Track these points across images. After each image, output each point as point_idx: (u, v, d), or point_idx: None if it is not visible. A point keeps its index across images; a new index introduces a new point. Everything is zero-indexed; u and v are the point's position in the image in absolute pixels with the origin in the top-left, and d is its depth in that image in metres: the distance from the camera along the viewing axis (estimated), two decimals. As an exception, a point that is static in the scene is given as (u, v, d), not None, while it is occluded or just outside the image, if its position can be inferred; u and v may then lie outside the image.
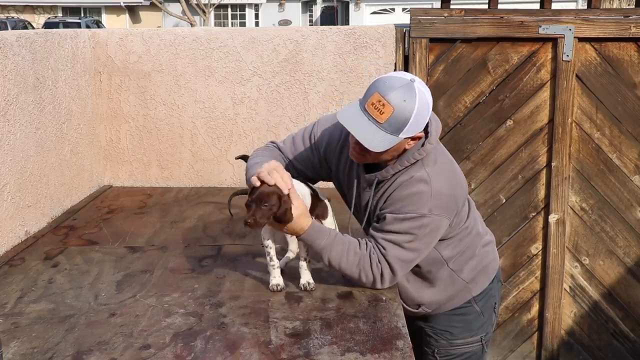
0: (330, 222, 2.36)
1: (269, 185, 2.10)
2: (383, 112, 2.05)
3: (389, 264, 2.22)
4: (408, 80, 2.09)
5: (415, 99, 2.07)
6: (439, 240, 2.31)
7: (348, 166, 2.38)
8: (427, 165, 2.21)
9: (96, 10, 31.85)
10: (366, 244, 2.24)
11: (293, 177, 2.23)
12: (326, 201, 2.38)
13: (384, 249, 2.21)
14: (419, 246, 2.22)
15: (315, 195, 2.33)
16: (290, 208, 2.11)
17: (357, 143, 2.13)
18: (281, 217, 2.11)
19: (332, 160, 2.43)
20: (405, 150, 2.20)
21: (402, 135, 2.09)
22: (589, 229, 4.01)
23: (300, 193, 2.22)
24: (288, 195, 2.11)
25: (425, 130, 2.21)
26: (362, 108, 2.10)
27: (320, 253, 2.24)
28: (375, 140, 2.08)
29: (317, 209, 2.32)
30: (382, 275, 2.24)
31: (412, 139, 2.16)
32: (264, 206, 2.08)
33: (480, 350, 2.56)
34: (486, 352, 2.60)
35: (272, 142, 2.54)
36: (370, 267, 2.23)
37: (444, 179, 2.22)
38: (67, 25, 25.21)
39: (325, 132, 2.43)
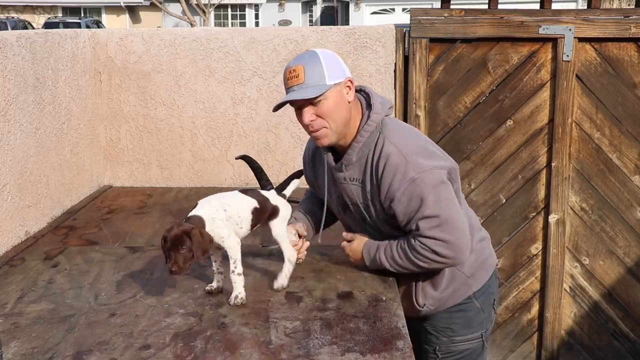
0: (279, 222, 2.36)
1: (176, 228, 2.10)
2: (298, 74, 2.20)
3: (430, 238, 2.24)
4: (304, 51, 2.35)
5: (315, 52, 2.25)
6: None
7: (321, 172, 2.48)
8: (389, 137, 2.28)
9: (96, 10, 31.84)
10: (407, 236, 2.31)
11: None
12: (279, 204, 2.38)
13: (417, 230, 2.25)
14: (440, 206, 2.22)
15: (265, 200, 2.34)
16: (202, 235, 2.10)
17: (307, 114, 2.22)
18: (203, 249, 2.10)
19: (312, 177, 2.57)
20: (350, 104, 2.28)
21: (329, 82, 2.20)
22: (589, 229, 4.01)
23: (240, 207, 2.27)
24: (192, 227, 2.10)
25: (368, 103, 2.32)
26: (288, 90, 2.25)
27: (377, 265, 2.40)
28: (308, 92, 2.20)
29: (265, 213, 2.33)
30: (435, 252, 2.25)
31: (347, 87, 2.26)
32: (182, 250, 2.07)
33: (480, 346, 2.57)
34: (486, 348, 2.60)
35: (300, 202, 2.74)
36: (419, 253, 2.27)
37: (409, 140, 2.31)
38: (67, 25, 25.20)
39: (303, 164, 2.66)
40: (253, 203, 2.30)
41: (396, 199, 2.24)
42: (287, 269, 2.36)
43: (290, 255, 2.37)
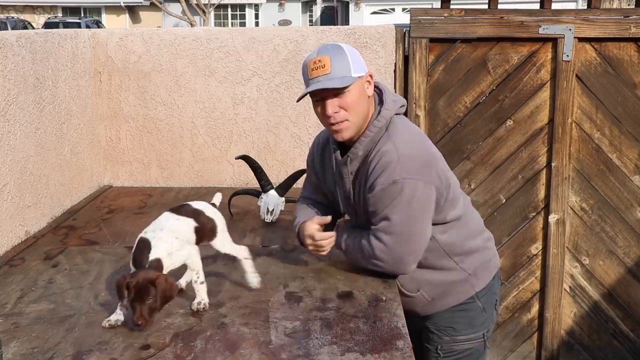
0: (220, 240, 2.31)
1: (141, 275, 1.97)
2: (324, 65, 2.21)
3: (377, 237, 2.29)
4: (324, 44, 2.33)
5: (339, 45, 2.27)
6: (438, 224, 2.35)
7: (329, 167, 2.48)
8: (392, 136, 2.29)
9: (96, 10, 31.85)
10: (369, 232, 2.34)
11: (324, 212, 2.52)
12: (214, 217, 2.31)
13: (374, 225, 2.30)
14: (405, 216, 2.24)
15: (200, 215, 2.25)
16: (167, 282, 1.98)
17: (331, 105, 2.22)
18: (167, 297, 2.00)
19: (320, 172, 2.56)
20: (369, 98, 2.31)
21: (354, 74, 2.22)
22: (589, 229, 4.01)
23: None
24: (157, 275, 1.98)
25: (381, 99, 2.34)
26: (310, 81, 2.25)
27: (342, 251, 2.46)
28: (336, 82, 2.20)
29: (205, 230, 2.26)
30: (374, 248, 2.31)
31: (367, 81, 2.29)
32: (147, 300, 1.95)
33: (482, 346, 2.57)
34: (488, 348, 2.61)
35: (300, 198, 2.71)
36: (364, 245, 2.34)
37: (410, 144, 2.29)
38: (67, 25, 25.21)
39: (309, 156, 2.64)
40: (192, 223, 2.22)
41: (373, 192, 2.27)
42: (249, 266, 2.32)
43: (242, 252, 2.34)
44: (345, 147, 2.39)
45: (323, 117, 2.28)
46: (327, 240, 2.40)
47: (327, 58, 2.20)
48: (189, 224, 2.21)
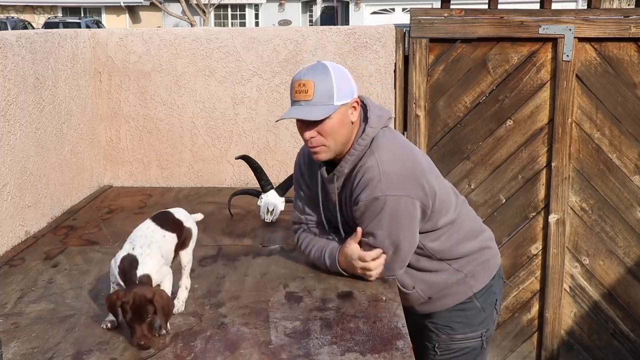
0: (189, 250, 2.26)
1: (136, 294, 1.89)
2: (307, 90, 2.19)
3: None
4: (315, 62, 2.28)
5: (328, 68, 2.22)
6: (428, 232, 2.36)
7: (316, 182, 2.47)
8: (376, 151, 2.29)
9: (96, 10, 31.86)
10: None
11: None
12: (191, 228, 2.28)
13: (363, 237, 2.33)
14: (388, 231, 2.27)
15: (180, 226, 2.22)
16: (162, 297, 1.93)
17: (309, 130, 2.22)
18: (168, 312, 1.97)
19: (310, 182, 2.52)
20: (353, 124, 2.28)
21: (337, 102, 2.20)
22: (589, 229, 4.01)
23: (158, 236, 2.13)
24: (153, 292, 1.91)
25: (365, 116, 2.32)
26: (293, 102, 2.25)
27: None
28: (312, 113, 2.19)
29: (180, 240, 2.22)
30: None
31: (353, 107, 2.26)
32: (147, 319, 1.90)
33: (479, 346, 2.57)
34: (485, 348, 2.61)
35: (294, 225, 2.61)
36: None
37: (393, 160, 2.28)
38: (67, 25, 25.22)
39: (296, 170, 2.60)
40: (174, 239, 2.18)
41: (357, 206, 2.29)
42: (183, 296, 2.24)
43: (188, 283, 2.27)
44: (331, 162, 2.39)
45: (302, 138, 2.29)
46: (377, 260, 2.33)
47: (311, 83, 2.18)
48: (172, 240, 2.17)
